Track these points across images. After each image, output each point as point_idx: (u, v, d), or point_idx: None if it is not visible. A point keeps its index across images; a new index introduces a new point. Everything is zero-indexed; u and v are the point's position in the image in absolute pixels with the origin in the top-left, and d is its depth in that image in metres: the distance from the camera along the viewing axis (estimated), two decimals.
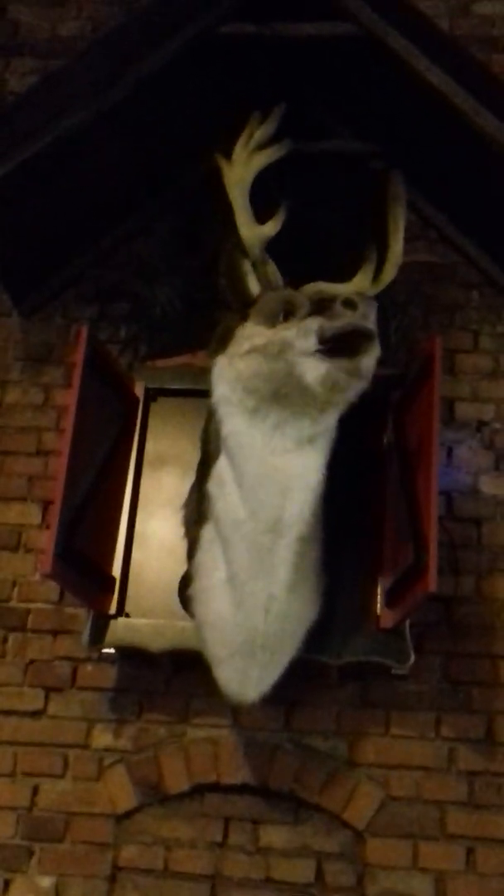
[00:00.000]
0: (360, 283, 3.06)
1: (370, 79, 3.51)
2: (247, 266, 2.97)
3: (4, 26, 4.33)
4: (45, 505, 3.50)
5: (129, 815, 3.18)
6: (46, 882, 3.13)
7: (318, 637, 3.07)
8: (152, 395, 3.44)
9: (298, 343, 2.71)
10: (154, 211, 3.84)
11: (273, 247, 3.02)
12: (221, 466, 2.90)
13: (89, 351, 3.18)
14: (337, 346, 2.69)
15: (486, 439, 3.51)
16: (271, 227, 2.97)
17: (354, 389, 2.75)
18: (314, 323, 2.70)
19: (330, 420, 2.84)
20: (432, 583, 2.79)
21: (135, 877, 3.12)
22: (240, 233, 2.97)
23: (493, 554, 3.37)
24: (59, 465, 3.07)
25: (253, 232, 2.96)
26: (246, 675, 2.86)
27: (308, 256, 3.15)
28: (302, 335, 2.71)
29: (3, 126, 3.45)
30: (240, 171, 3.03)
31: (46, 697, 3.31)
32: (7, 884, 3.14)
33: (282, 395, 2.76)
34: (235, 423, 2.84)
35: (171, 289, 3.58)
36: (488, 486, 3.46)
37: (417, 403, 3.16)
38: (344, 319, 2.67)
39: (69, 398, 3.21)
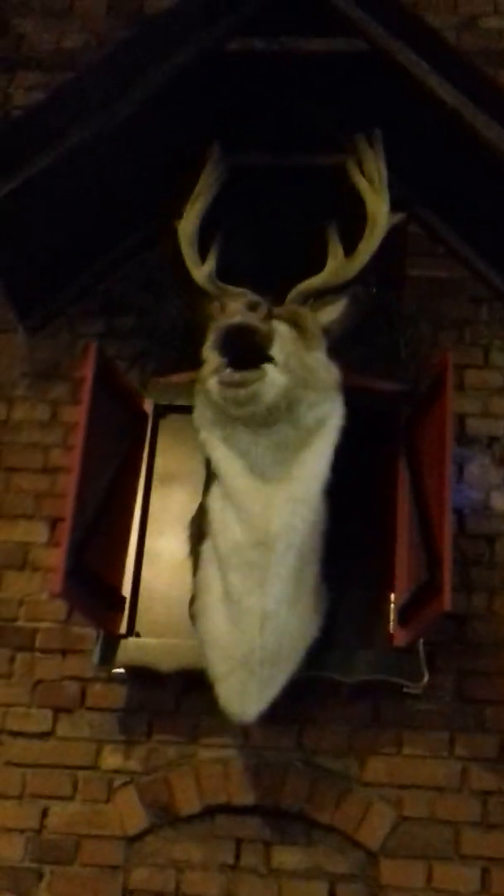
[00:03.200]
0: (332, 266, 3.07)
1: (379, 94, 3.49)
2: (209, 302, 3.01)
3: (8, 40, 4.32)
4: (53, 522, 3.48)
5: (139, 836, 3.15)
6: None
7: (329, 655, 3.09)
8: (161, 411, 3.42)
9: (205, 370, 2.82)
10: (161, 225, 3.81)
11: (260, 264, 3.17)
12: (215, 483, 2.93)
13: (98, 367, 3.18)
14: (235, 356, 2.73)
15: (497, 455, 3.50)
16: (210, 264, 3.10)
17: (265, 391, 2.73)
18: (212, 336, 2.78)
19: (312, 416, 2.85)
20: (447, 601, 2.78)
21: None
22: (193, 277, 3.10)
23: None
24: (69, 483, 3.06)
25: (200, 273, 3.08)
26: (245, 692, 2.85)
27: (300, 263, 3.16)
28: (207, 360, 2.80)
29: (10, 141, 3.44)
30: (185, 225, 3.18)
31: (55, 718, 3.28)
32: None
33: (229, 418, 2.82)
34: (214, 449, 2.90)
35: (178, 304, 3.56)
36: (500, 502, 3.44)
37: (429, 419, 3.15)
38: (218, 326, 2.73)
39: (78, 415, 3.20)
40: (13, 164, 3.33)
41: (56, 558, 3.02)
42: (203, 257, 3.14)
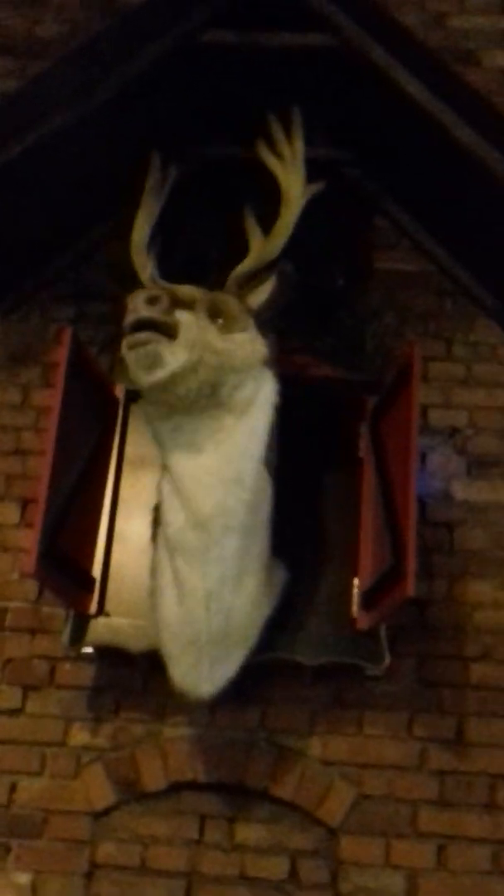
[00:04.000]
0: (255, 248, 3.12)
1: (348, 89, 3.56)
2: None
3: None
4: (24, 504, 3.52)
5: (106, 812, 3.21)
6: (23, 879, 3.14)
7: (293, 637, 3.18)
8: (132, 396, 3.44)
9: (123, 351, 2.85)
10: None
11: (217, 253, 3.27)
12: (165, 471, 3.00)
13: (72, 352, 3.21)
14: None
15: (459, 445, 3.57)
16: (150, 266, 3.18)
17: (171, 358, 2.77)
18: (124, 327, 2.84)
19: (238, 397, 2.91)
20: (411, 587, 2.85)
21: (112, 874, 3.15)
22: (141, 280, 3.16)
23: (465, 558, 3.43)
24: (42, 466, 3.08)
25: (145, 274, 3.16)
26: (197, 672, 2.92)
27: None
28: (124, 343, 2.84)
29: None
30: (134, 233, 3.27)
31: (24, 696, 3.33)
32: None
33: (158, 401, 2.90)
34: (153, 430, 3.00)
35: None
36: (460, 491, 3.52)
37: (395, 410, 3.22)
38: (131, 315, 2.78)
39: (50, 399, 3.24)
40: None
41: (29, 539, 3.06)
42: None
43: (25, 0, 4.35)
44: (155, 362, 2.76)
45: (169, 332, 2.76)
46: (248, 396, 2.95)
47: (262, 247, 3.11)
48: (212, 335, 2.88)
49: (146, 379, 2.80)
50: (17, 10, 4.34)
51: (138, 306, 2.76)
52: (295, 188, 3.20)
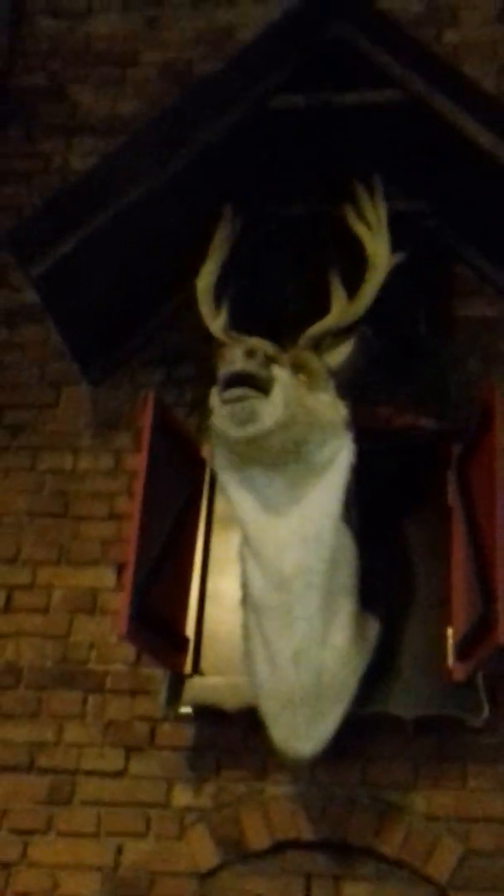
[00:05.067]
0: (337, 308, 3.14)
1: (421, 142, 3.60)
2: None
3: (65, 107, 4.51)
4: (120, 568, 3.57)
5: (211, 873, 3.20)
6: None
7: (390, 691, 3.15)
8: None
9: (213, 400, 2.84)
10: None
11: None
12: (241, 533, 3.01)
13: (156, 415, 3.28)
14: None
15: None
16: (223, 316, 3.25)
17: (265, 413, 2.76)
18: (216, 386, 2.84)
19: (318, 457, 2.89)
20: (503, 634, 2.81)
21: None
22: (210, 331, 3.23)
23: None
24: (131, 529, 3.15)
25: (216, 325, 3.23)
26: (294, 731, 2.90)
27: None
28: (214, 392, 2.84)
29: (68, 203, 3.59)
30: (202, 281, 3.36)
31: (127, 757, 3.37)
32: None
33: (240, 457, 2.88)
34: (230, 489, 2.97)
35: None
36: None
37: (480, 455, 3.20)
38: (228, 368, 2.77)
39: (139, 462, 3.30)
40: (74, 223, 3.48)
41: (121, 602, 3.12)
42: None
43: (106, 80, 4.52)
44: (250, 417, 2.76)
45: (264, 387, 2.77)
46: (330, 455, 2.93)
47: (345, 309, 3.14)
48: (302, 392, 2.89)
49: (238, 433, 2.78)
50: (98, 90, 4.52)
51: (236, 359, 2.76)
52: (381, 254, 3.26)
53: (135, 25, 4.62)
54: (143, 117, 4.27)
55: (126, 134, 4.15)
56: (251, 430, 2.76)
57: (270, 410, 2.76)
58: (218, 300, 3.28)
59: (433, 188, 3.76)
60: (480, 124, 3.39)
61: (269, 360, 2.83)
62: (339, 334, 3.13)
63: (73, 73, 4.57)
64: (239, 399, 2.75)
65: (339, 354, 3.10)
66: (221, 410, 2.79)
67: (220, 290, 3.31)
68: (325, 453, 2.92)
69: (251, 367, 2.75)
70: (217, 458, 2.98)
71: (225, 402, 2.78)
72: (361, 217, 3.34)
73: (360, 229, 3.32)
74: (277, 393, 2.78)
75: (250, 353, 2.77)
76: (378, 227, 3.31)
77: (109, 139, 4.28)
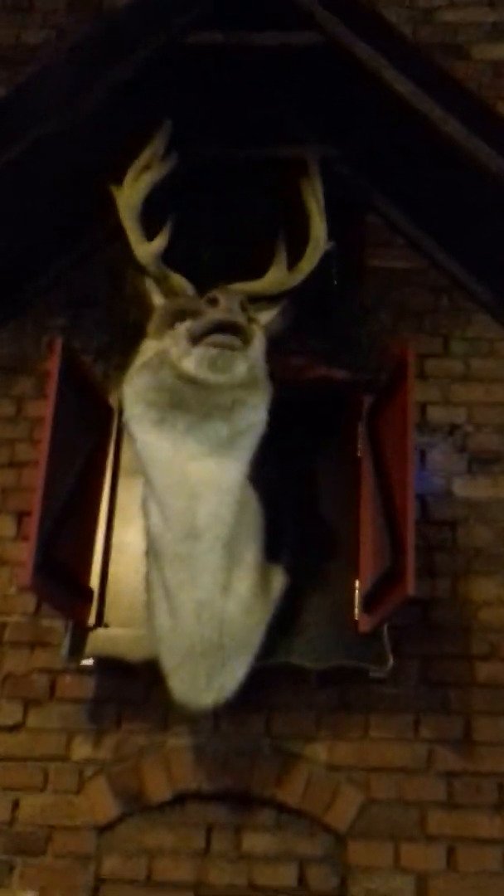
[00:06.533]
0: (275, 275, 3.15)
1: (338, 87, 3.54)
2: (148, 283, 3.09)
3: None
4: (20, 517, 3.49)
5: (110, 826, 3.18)
6: None
7: (296, 642, 3.15)
8: None
9: (173, 350, 2.82)
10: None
11: (212, 256, 3.28)
12: (145, 482, 2.95)
13: (64, 362, 3.18)
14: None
15: (459, 442, 3.55)
16: (160, 242, 3.09)
17: (240, 366, 2.79)
18: (182, 327, 2.83)
19: (247, 418, 2.86)
20: (411, 586, 2.83)
21: (118, 888, 3.12)
22: (134, 252, 3.10)
23: (468, 556, 3.41)
24: (37, 478, 3.06)
25: (145, 249, 3.09)
26: (194, 683, 2.88)
27: (244, 260, 3.23)
28: (175, 342, 2.83)
29: None
30: (128, 193, 3.19)
31: (25, 710, 3.30)
32: None
33: (179, 401, 2.82)
34: (144, 437, 2.90)
35: (130, 299, 3.57)
36: (462, 488, 3.49)
37: (391, 409, 3.20)
38: (207, 317, 2.77)
39: (44, 410, 3.20)
40: None
41: (25, 552, 3.04)
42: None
43: (11, 7, 4.34)
44: (228, 366, 2.78)
45: (246, 339, 2.81)
46: (254, 421, 2.89)
47: (283, 277, 3.15)
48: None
49: (214, 377, 2.78)
50: (3, 18, 4.33)
51: (233, 307, 2.78)
52: (322, 234, 3.26)
53: None
54: (52, 48, 4.14)
55: (32, 64, 4.02)
56: (225, 377, 2.78)
57: (245, 363, 2.80)
58: (145, 227, 3.15)
59: (348, 135, 3.71)
60: (398, 71, 3.35)
61: (250, 319, 2.86)
62: (265, 299, 3.11)
63: None
64: (226, 346, 2.77)
65: (267, 316, 3.07)
66: (197, 351, 2.78)
67: (147, 217, 3.18)
68: (250, 418, 2.87)
69: (241, 318, 2.78)
70: (138, 397, 2.89)
71: (212, 345, 2.77)
72: (315, 194, 3.32)
73: (311, 205, 3.30)
74: (256, 347, 2.84)
75: (211, 301, 2.78)
76: (320, 207, 3.30)
77: (15, 69, 4.12)
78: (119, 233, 3.67)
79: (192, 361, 2.78)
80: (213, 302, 2.78)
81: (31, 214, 3.60)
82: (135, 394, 2.90)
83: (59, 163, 3.45)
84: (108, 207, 3.69)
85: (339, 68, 3.45)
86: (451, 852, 3.09)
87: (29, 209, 3.57)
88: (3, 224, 3.55)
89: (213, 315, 2.77)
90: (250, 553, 2.96)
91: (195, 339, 2.79)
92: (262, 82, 3.59)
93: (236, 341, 2.78)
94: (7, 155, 3.35)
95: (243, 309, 2.81)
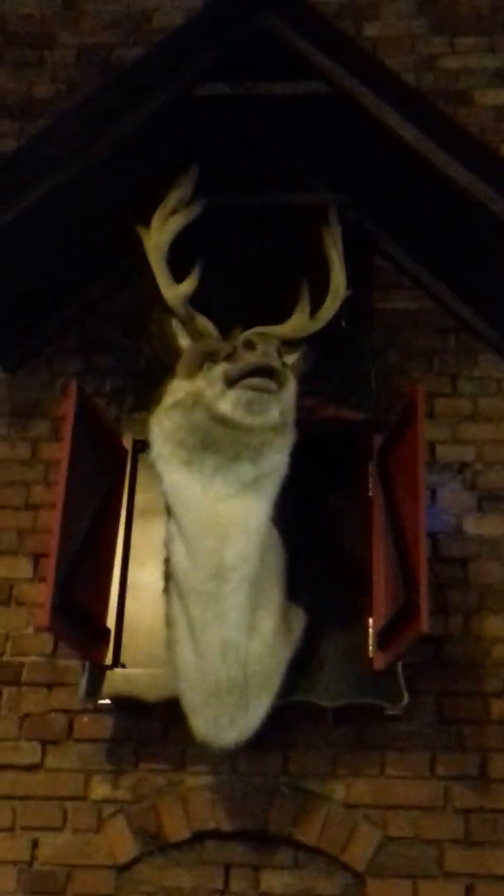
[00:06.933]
0: (297, 321, 3.19)
1: (343, 134, 3.61)
2: (175, 324, 3.11)
3: None
4: (36, 558, 3.54)
5: (129, 865, 3.19)
6: None
7: (311, 680, 3.17)
8: (140, 446, 3.43)
9: (208, 391, 2.83)
10: (136, 263, 3.89)
11: (228, 299, 3.27)
12: (170, 521, 2.97)
13: (78, 405, 3.23)
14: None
15: (468, 480, 3.59)
16: (189, 285, 3.13)
17: (274, 410, 2.82)
18: (219, 369, 2.83)
19: (272, 461, 2.89)
20: (425, 623, 2.85)
21: None
22: (162, 294, 3.13)
23: (480, 592, 3.44)
24: (53, 519, 3.09)
25: (174, 292, 3.13)
26: (217, 722, 2.90)
27: (261, 304, 3.26)
28: (210, 383, 2.83)
29: None
30: (156, 236, 3.22)
31: (43, 750, 3.33)
32: None
33: (210, 442, 2.84)
34: (173, 477, 2.91)
35: (155, 340, 3.63)
36: (472, 526, 3.53)
37: (401, 448, 3.23)
38: (244, 360, 2.78)
39: (59, 452, 3.25)
40: None
41: (42, 593, 3.07)
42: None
43: (22, 62, 4.44)
44: (265, 409, 2.80)
45: (281, 383, 2.83)
46: (277, 465, 2.92)
47: (305, 323, 3.20)
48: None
49: (251, 420, 2.79)
50: (14, 72, 4.43)
51: (269, 352, 2.78)
52: (342, 281, 3.33)
53: (52, 7, 4.54)
54: (61, 101, 4.23)
55: (43, 117, 4.12)
56: (260, 420, 2.80)
57: (278, 407, 2.83)
58: (172, 268, 3.19)
59: (355, 180, 3.78)
60: (402, 117, 3.41)
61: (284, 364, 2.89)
62: (285, 344, 3.12)
63: None
64: (263, 389, 2.78)
65: (289, 360, 3.08)
66: (233, 393, 2.79)
67: (175, 259, 3.22)
68: (276, 459, 2.90)
69: (276, 362, 2.80)
70: (168, 436, 2.91)
71: (249, 388, 2.78)
72: (335, 243, 3.39)
73: (331, 253, 3.37)
74: (289, 391, 2.88)
75: (248, 345, 2.79)
76: (336, 259, 3.37)
77: (25, 122, 4.23)
78: (131, 277, 3.80)
79: (228, 403, 2.79)
80: (250, 346, 2.78)
81: (42, 262, 3.66)
82: (164, 433, 2.92)
83: (72, 211, 3.51)
84: (120, 253, 3.80)
85: (345, 116, 3.51)
86: (469, 890, 3.10)
87: (42, 256, 3.63)
88: (18, 272, 3.60)
89: (251, 358, 2.77)
90: (274, 593, 2.99)
91: (231, 381, 2.79)
92: (270, 131, 3.68)
93: (272, 385, 2.79)
94: (21, 204, 3.40)
95: (279, 353, 2.83)
